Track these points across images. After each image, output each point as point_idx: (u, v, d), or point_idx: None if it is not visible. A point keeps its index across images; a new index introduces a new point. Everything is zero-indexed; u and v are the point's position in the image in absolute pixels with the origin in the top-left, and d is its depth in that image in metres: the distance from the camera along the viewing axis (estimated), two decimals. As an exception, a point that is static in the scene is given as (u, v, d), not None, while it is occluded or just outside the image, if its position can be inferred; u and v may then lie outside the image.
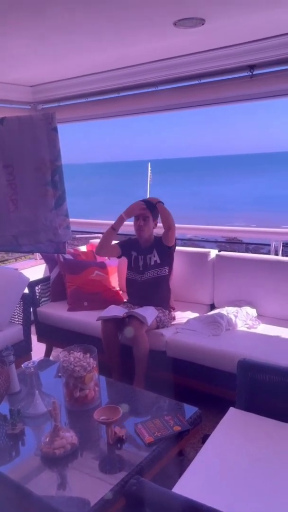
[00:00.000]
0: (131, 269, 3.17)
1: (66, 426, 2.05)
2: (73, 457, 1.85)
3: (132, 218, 3.07)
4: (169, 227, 3.00)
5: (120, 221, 3.06)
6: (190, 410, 2.16)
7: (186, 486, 1.49)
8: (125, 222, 3.08)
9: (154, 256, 3.07)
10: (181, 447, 2.11)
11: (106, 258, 3.74)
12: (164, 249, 3.05)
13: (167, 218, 3.01)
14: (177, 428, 1.97)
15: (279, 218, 21.52)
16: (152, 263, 3.06)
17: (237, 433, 1.77)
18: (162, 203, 3.05)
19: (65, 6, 1.98)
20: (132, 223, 3.11)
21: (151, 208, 3.03)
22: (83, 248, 3.98)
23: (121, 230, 3.13)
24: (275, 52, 2.67)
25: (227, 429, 1.79)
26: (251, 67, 2.83)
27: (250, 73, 2.86)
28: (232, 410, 1.90)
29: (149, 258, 3.08)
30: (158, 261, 3.06)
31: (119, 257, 3.21)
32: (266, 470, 1.54)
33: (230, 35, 2.56)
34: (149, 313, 2.82)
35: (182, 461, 2.28)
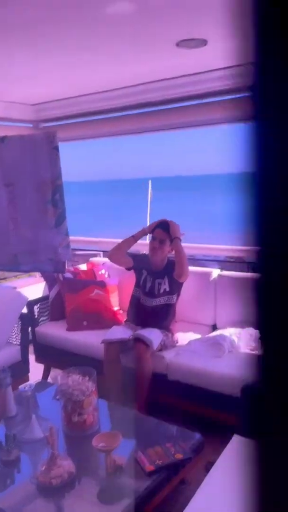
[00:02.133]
0: (138, 286, 3.09)
1: (63, 452, 1.98)
2: (71, 486, 1.78)
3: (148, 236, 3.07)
4: (180, 274, 2.90)
5: (142, 232, 3.06)
6: (192, 436, 2.09)
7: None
8: (140, 241, 3.07)
9: (165, 284, 2.98)
10: (183, 476, 2.03)
11: (106, 276, 3.70)
12: (174, 279, 2.96)
13: (182, 263, 2.89)
14: (179, 456, 1.90)
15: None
16: (162, 291, 2.98)
17: (241, 463, 1.69)
18: (180, 239, 2.94)
19: (65, 25, 1.98)
20: (146, 241, 3.10)
21: (169, 231, 2.96)
22: (83, 267, 3.93)
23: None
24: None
25: (231, 458, 1.72)
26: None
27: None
28: (236, 438, 1.82)
29: (158, 283, 2.99)
30: (168, 289, 2.98)
31: (128, 268, 3.12)
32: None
33: (232, 56, 2.56)
34: (155, 336, 2.76)
35: (184, 490, 2.20)
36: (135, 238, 3.05)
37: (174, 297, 3.01)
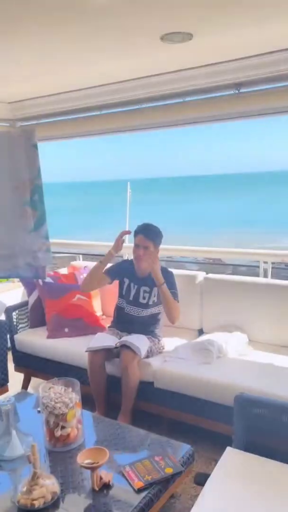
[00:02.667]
0: (122, 296, 2.94)
1: (46, 469, 1.85)
2: (54, 507, 1.65)
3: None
4: (173, 319, 2.78)
5: (108, 257, 2.84)
6: (182, 448, 1.99)
7: None
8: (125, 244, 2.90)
9: (154, 296, 2.84)
10: (173, 491, 1.93)
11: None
12: None
13: (170, 310, 2.75)
14: (169, 470, 1.80)
15: (258, 238, 21.76)
16: (151, 302, 2.85)
17: (236, 477, 1.61)
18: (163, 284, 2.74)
19: (44, 21, 1.88)
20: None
21: (152, 237, 2.81)
22: (63, 271, 3.80)
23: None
24: (262, 70, 2.62)
25: (225, 472, 1.63)
26: (238, 85, 2.77)
27: (237, 91, 2.80)
28: (229, 450, 1.74)
29: (143, 291, 2.85)
30: (156, 301, 2.86)
31: (110, 283, 2.95)
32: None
33: (217, 52, 2.49)
34: (142, 343, 2.65)
35: (174, 504, 2.11)
36: (102, 264, 2.85)
37: (161, 306, 2.90)
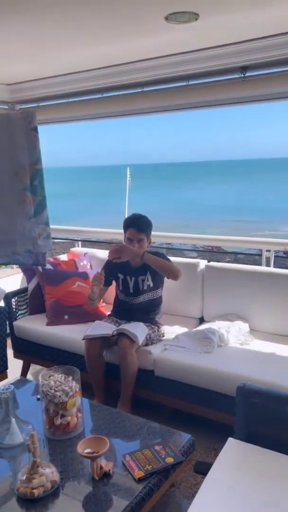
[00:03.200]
0: (121, 291, 2.90)
1: (46, 457, 1.84)
2: (54, 496, 1.64)
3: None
4: (175, 276, 2.71)
5: (96, 279, 2.70)
6: (182, 437, 1.98)
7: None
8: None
9: (148, 280, 2.80)
10: (173, 480, 1.92)
11: (88, 267, 3.55)
12: (158, 274, 2.79)
13: (168, 270, 2.70)
14: (170, 460, 1.78)
15: (258, 226, 21.68)
16: (145, 287, 2.81)
17: (238, 468, 1.59)
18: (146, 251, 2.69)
19: (44, 0, 1.80)
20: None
21: (144, 228, 2.75)
22: (63, 257, 3.76)
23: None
24: (269, 53, 2.54)
25: (227, 463, 1.61)
26: (243, 68, 2.69)
27: (242, 75, 2.72)
28: (231, 441, 1.72)
29: (141, 280, 2.81)
30: (152, 285, 2.82)
31: (110, 286, 2.91)
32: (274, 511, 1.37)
33: (223, 34, 2.41)
34: (140, 331, 2.62)
35: (174, 492, 2.10)
36: (92, 290, 2.74)
37: (159, 290, 2.88)
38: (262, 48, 2.53)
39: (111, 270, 2.81)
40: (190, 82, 2.92)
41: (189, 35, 2.37)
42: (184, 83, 2.94)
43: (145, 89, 3.07)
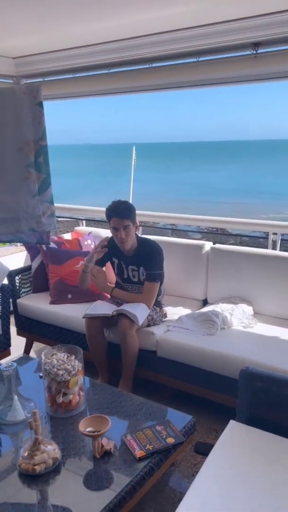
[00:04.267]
0: (116, 274, 2.89)
1: (47, 434, 1.86)
2: (56, 473, 1.66)
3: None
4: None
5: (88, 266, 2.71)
6: (183, 418, 1.98)
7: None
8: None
9: (143, 275, 2.74)
10: (173, 460, 1.94)
11: (92, 246, 3.52)
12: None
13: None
14: (171, 440, 1.80)
15: (264, 207, 21.51)
16: (137, 279, 2.78)
17: (239, 451, 1.60)
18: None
19: None
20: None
21: (127, 214, 2.64)
22: (67, 236, 3.74)
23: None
24: (283, 29, 2.44)
25: (228, 446, 1.62)
26: (256, 45, 2.60)
27: (254, 52, 2.63)
28: (232, 424, 1.72)
29: (132, 270, 2.77)
30: (142, 280, 2.76)
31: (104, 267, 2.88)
32: (273, 494, 1.38)
33: (235, 8, 2.32)
34: (140, 311, 2.60)
35: (173, 471, 2.13)
36: (90, 259, 2.70)
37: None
38: (275, 24, 2.43)
39: (110, 253, 2.78)
40: (200, 59, 2.83)
41: (199, 9, 2.28)
42: (194, 59, 2.84)
43: (153, 65, 2.97)
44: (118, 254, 2.79)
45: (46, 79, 3.48)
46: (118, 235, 2.64)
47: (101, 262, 2.82)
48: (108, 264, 2.91)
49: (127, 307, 2.62)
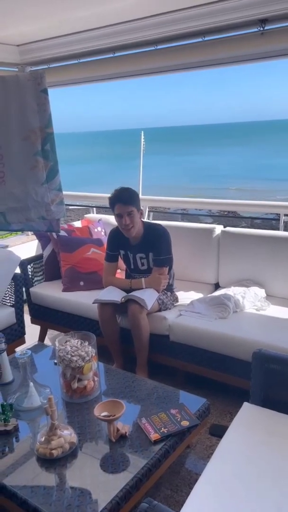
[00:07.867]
0: (125, 264, 2.90)
1: (64, 420, 1.89)
2: (73, 457, 1.69)
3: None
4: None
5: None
6: (198, 401, 2.00)
7: (200, 494, 1.33)
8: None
9: (150, 263, 2.74)
10: (188, 442, 1.96)
11: (103, 233, 3.52)
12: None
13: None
14: (185, 423, 1.81)
15: (275, 187, 21.24)
16: (146, 267, 2.77)
17: (253, 432, 1.60)
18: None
19: None
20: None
21: (131, 201, 2.61)
22: (77, 224, 3.74)
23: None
24: (290, 4, 2.38)
25: (242, 428, 1.63)
26: (263, 21, 2.54)
27: (261, 29, 2.57)
28: (246, 406, 1.73)
29: (140, 258, 2.76)
30: (152, 266, 2.75)
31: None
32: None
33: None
34: (148, 295, 2.59)
35: (189, 454, 2.15)
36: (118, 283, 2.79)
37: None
38: (283, -2, 2.37)
39: (115, 245, 2.82)
40: (206, 38, 2.77)
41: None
42: (200, 39, 2.80)
43: (159, 46, 2.93)
44: (124, 245, 2.79)
45: (51, 65, 3.45)
46: (123, 221, 2.62)
47: (114, 257, 2.84)
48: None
49: (135, 293, 2.62)
